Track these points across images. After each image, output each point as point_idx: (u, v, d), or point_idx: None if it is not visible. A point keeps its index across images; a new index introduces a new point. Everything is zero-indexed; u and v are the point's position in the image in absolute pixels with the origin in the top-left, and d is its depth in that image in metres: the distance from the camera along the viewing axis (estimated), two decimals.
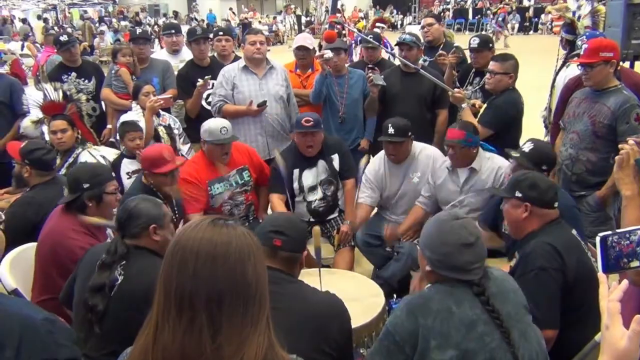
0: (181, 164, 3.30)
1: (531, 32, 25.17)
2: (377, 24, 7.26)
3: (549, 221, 2.37)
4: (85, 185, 2.65)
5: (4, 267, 2.60)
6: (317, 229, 2.71)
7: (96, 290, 2.14)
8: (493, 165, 3.37)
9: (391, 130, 3.54)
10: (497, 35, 19.58)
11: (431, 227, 1.87)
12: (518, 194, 2.37)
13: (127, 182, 3.63)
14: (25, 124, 4.47)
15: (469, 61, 4.47)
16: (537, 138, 3.14)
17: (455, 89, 3.93)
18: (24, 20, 25.68)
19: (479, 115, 3.81)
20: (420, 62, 4.44)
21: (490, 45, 4.17)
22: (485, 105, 3.86)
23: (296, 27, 25.88)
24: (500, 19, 23.07)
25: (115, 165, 3.72)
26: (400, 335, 1.72)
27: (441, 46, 4.65)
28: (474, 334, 1.69)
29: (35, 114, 4.38)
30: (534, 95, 5.43)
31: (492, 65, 3.75)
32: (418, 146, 3.71)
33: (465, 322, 1.70)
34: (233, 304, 1.02)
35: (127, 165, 3.72)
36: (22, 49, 15.26)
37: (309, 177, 3.70)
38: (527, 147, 2.92)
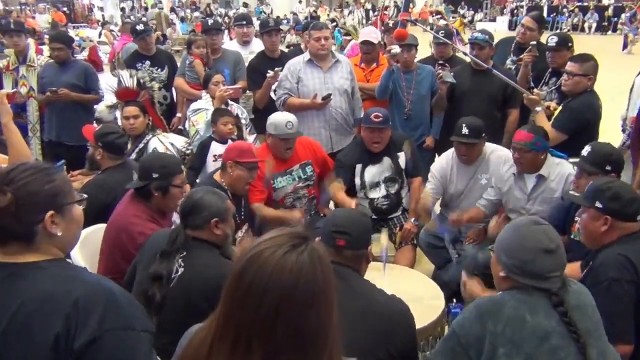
0: (262, 161, 3.30)
1: (609, 32, 24.02)
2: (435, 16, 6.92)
3: (628, 234, 2.21)
4: (155, 175, 2.68)
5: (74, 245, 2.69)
6: (384, 236, 2.73)
7: (155, 279, 2.19)
8: (563, 171, 3.20)
9: (465, 130, 3.41)
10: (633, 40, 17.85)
11: (509, 232, 1.79)
12: (598, 205, 2.20)
13: (213, 164, 3.71)
14: (100, 108, 4.65)
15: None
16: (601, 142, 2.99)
17: (535, 90, 3.77)
18: (101, 9, 26.83)
19: (552, 118, 3.63)
20: (508, 62, 4.30)
21: (570, 44, 3.97)
22: (560, 108, 3.68)
23: (364, 21, 25.74)
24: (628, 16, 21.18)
25: (205, 145, 3.80)
26: (466, 338, 1.68)
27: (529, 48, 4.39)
28: (546, 346, 1.62)
29: (110, 99, 4.54)
30: (611, 99, 5.16)
31: (570, 66, 3.53)
32: (490, 147, 3.57)
33: (538, 333, 1.63)
34: (291, 351, 1.01)
35: (216, 148, 3.77)
36: (99, 37, 15.94)
37: (372, 172, 3.66)
38: (585, 151, 2.79)
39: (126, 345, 1.30)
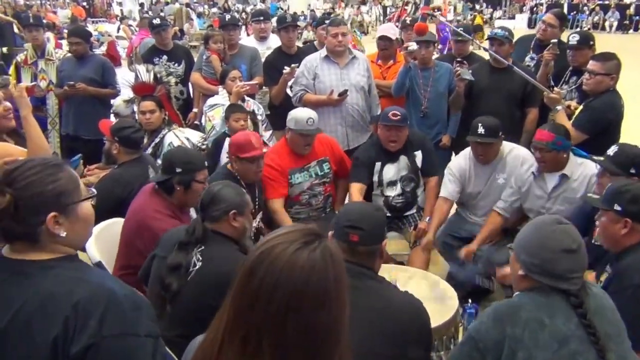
0: (266, 151, 3.30)
1: (631, 31, 23.64)
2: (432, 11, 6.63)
3: None
4: (178, 170, 2.69)
5: (90, 239, 2.70)
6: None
7: (172, 269, 2.20)
8: (586, 172, 3.16)
9: (481, 130, 3.36)
10: None
11: (530, 230, 1.75)
12: (617, 208, 2.17)
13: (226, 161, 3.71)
14: (117, 102, 4.68)
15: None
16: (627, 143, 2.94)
17: (555, 89, 3.70)
18: (120, 4, 27.01)
19: (573, 118, 3.57)
20: (527, 59, 4.22)
21: (591, 42, 3.89)
22: (581, 107, 3.62)
23: (382, 18, 25.63)
24: None
25: (219, 142, 3.81)
26: (484, 343, 1.64)
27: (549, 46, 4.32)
28: (565, 351, 1.58)
29: (127, 93, 4.57)
30: (632, 99, 5.06)
31: (592, 65, 3.46)
32: (507, 146, 3.52)
33: (557, 337, 1.59)
34: (302, 349, 1.00)
35: None
36: (118, 32, 16.05)
37: (390, 171, 3.63)
38: (611, 151, 2.75)
39: (125, 353, 1.25)
